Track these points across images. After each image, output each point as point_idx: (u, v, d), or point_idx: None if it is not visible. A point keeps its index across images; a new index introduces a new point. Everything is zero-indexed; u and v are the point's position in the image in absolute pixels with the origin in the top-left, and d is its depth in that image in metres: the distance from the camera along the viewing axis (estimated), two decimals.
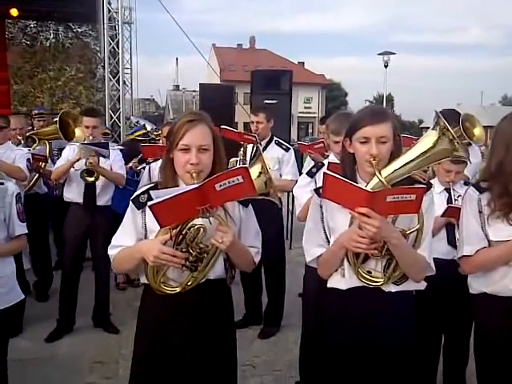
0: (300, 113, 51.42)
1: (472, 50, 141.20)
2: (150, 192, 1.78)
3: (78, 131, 4.34)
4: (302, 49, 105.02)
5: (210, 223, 1.78)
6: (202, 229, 1.81)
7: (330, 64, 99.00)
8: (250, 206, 2.04)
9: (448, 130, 1.66)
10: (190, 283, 1.88)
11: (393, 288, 1.90)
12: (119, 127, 9.18)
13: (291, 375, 3.55)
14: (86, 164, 3.87)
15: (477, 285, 2.12)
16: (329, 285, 2.00)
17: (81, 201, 4.07)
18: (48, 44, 14.05)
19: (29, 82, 13.38)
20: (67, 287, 4.15)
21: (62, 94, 13.26)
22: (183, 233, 1.82)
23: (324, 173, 1.73)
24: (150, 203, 1.64)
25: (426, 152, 1.74)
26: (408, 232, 1.82)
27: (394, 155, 1.86)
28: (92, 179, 3.91)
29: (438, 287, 2.64)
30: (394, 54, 22.40)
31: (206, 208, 1.67)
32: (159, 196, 1.63)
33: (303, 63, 55.80)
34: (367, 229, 1.70)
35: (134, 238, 1.94)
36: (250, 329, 4.37)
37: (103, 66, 9.07)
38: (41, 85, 13.36)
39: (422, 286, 1.96)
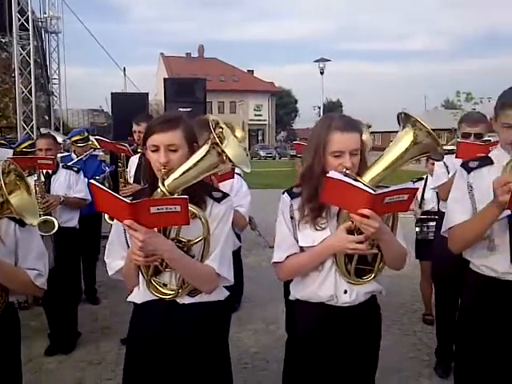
0: (251, 120, 51.70)
1: (417, 57, 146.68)
2: None
3: None
4: (252, 57, 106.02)
5: None
6: None
7: (279, 71, 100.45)
8: (32, 226, 1.88)
9: (218, 145, 1.65)
10: None
11: (187, 300, 1.83)
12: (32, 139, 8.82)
13: None
14: None
15: (293, 291, 2.08)
16: (128, 298, 1.93)
17: None
18: None
19: None
20: None
21: None
22: None
23: (90, 183, 1.65)
24: None
25: (197, 163, 1.71)
26: (192, 242, 1.75)
27: None
28: None
29: None
30: (329, 60, 23.16)
31: None
32: None
33: (252, 71, 56.26)
34: (134, 241, 1.63)
35: None
36: None
37: (14, 77, 8.73)
38: None
39: (222, 296, 1.91)
